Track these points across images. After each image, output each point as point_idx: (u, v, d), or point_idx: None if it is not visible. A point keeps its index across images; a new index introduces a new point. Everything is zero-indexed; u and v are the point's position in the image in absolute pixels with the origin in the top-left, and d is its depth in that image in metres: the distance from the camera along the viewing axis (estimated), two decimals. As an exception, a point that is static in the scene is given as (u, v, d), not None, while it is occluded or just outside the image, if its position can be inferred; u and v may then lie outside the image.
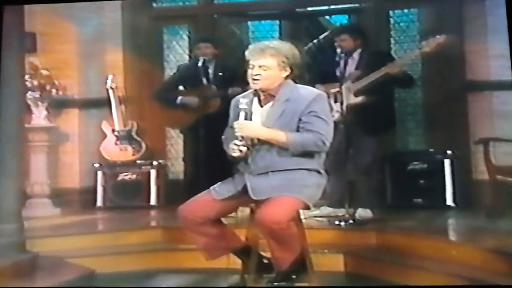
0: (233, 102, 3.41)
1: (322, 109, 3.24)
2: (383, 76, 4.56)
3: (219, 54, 5.34)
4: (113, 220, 5.34)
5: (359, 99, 4.59)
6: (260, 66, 3.22)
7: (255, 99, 3.30)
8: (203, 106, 5.11)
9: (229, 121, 3.38)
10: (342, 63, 4.69)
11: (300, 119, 3.20)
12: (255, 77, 3.23)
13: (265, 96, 3.28)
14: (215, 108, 5.05)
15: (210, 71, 5.22)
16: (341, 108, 4.50)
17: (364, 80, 4.60)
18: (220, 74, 5.19)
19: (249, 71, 3.26)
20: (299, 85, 3.34)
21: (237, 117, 3.25)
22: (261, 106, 3.29)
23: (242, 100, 3.27)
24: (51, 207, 5.48)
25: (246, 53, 3.32)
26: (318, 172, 3.28)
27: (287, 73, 3.26)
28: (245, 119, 3.23)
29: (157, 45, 6.29)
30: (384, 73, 4.56)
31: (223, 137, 3.41)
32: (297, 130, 3.20)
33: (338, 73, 4.66)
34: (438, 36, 4.56)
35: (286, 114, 3.21)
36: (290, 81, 3.30)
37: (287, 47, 3.29)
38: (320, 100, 3.26)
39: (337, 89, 4.51)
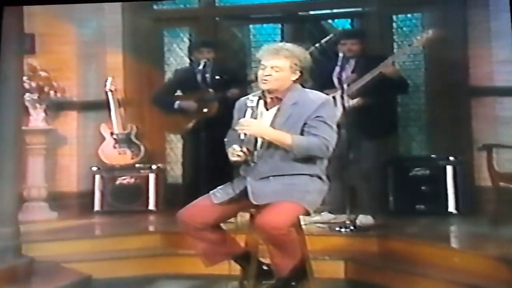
0: (237, 104, 3.39)
1: (329, 114, 3.22)
2: (377, 76, 4.53)
3: (219, 57, 5.31)
4: (111, 224, 5.31)
5: (355, 101, 4.56)
6: (272, 67, 3.20)
7: (261, 102, 3.27)
8: (201, 110, 5.08)
9: (233, 123, 3.35)
10: (341, 67, 4.68)
11: (305, 123, 3.17)
12: (265, 78, 3.21)
13: (272, 99, 3.26)
14: (214, 112, 5.03)
15: (208, 74, 5.15)
16: (341, 112, 4.45)
17: (359, 82, 4.58)
18: (218, 77, 5.14)
19: (260, 72, 3.25)
20: (307, 90, 3.32)
21: (243, 117, 3.21)
22: (267, 109, 3.27)
23: (251, 98, 3.25)
24: (48, 211, 5.44)
25: (259, 53, 3.31)
26: (320, 178, 3.26)
27: (297, 76, 3.25)
28: (252, 118, 3.20)
29: (157, 47, 6.26)
30: (378, 73, 4.54)
31: (225, 139, 3.38)
32: (301, 134, 3.17)
33: (337, 77, 4.64)
34: (428, 31, 4.58)
35: (293, 118, 3.19)
36: (298, 85, 3.28)
37: (300, 51, 3.29)
38: (328, 105, 3.25)
39: (337, 93, 4.47)
